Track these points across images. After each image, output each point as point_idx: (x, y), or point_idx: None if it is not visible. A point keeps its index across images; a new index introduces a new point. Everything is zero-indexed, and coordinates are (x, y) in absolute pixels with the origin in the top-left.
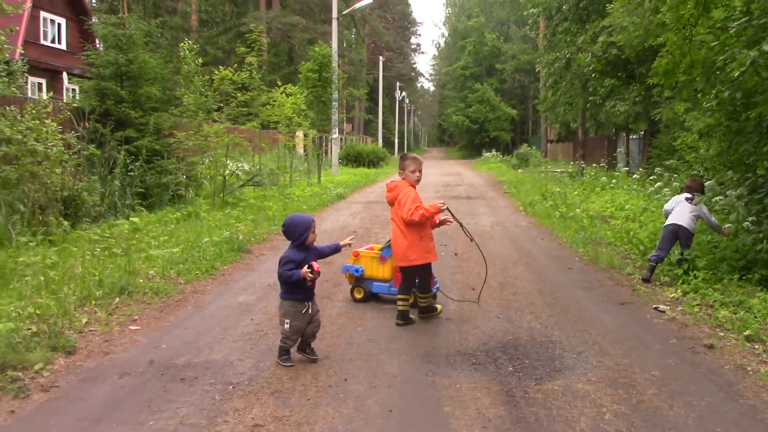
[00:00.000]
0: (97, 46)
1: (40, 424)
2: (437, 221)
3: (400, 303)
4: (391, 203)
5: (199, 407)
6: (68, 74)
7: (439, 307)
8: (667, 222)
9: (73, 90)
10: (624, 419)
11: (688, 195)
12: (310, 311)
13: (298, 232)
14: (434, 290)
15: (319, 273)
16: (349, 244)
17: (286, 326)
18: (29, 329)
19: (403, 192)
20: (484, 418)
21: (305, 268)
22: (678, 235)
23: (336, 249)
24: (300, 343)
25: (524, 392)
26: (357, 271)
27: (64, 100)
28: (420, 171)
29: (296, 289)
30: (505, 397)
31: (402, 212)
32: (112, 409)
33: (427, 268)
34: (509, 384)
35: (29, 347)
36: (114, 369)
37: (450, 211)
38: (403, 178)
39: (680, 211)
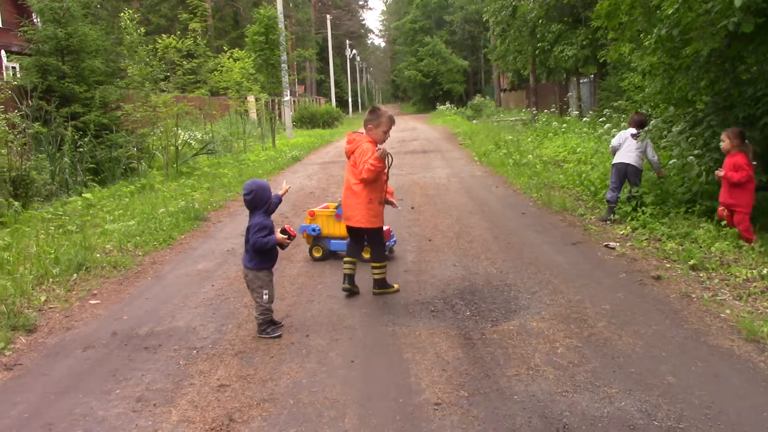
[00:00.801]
0: (35, 21)
1: (6, 401)
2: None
3: (376, 272)
4: (348, 155)
5: (164, 373)
6: (6, 52)
7: (396, 286)
8: (615, 160)
9: (13, 68)
10: (576, 352)
11: (633, 131)
12: (274, 278)
13: (266, 197)
14: (391, 243)
15: (294, 236)
16: (287, 189)
17: (265, 297)
18: None
19: (360, 148)
20: (443, 361)
21: (280, 234)
22: (627, 173)
23: (279, 200)
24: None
25: (481, 334)
26: (314, 230)
27: (4, 79)
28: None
29: (268, 257)
30: (463, 340)
31: (358, 169)
32: (78, 381)
33: (377, 233)
34: (466, 328)
35: None
36: (77, 343)
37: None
38: (367, 133)
39: (627, 148)
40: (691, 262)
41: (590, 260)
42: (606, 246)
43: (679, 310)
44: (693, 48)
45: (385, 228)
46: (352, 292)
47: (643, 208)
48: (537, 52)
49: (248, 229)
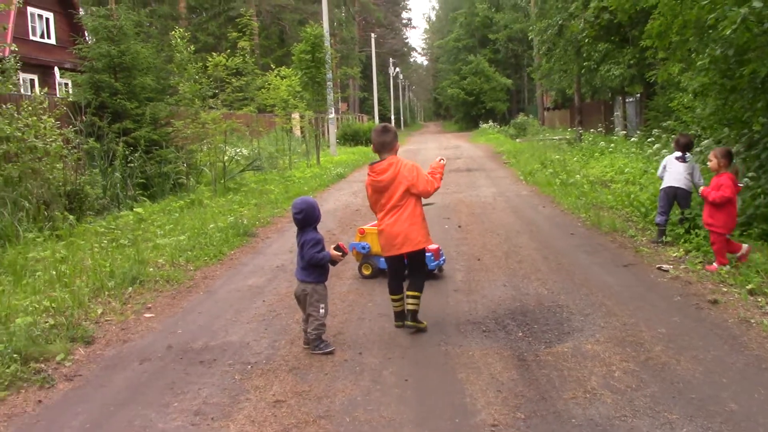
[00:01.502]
0: (88, 39)
1: (68, 412)
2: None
3: (410, 302)
4: (391, 184)
5: (220, 387)
6: (59, 69)
7: (424, 323)
8: (664, 185)
9: (66, 84)
10: (633, 376)
11: (679, 154)
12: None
13: (317, 214)
14: (441, 262)
15: (347, 253)
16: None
17: (322, 311)
18: (47, 322)
19: (405, 167)
20: (498, 382)
21: (334, 250)
22: (676, 196)
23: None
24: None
25: (535, 356)
26: (364, 248)
27: (58, 95)
28: None
29: (324, 271)
30: (517, 361)
31: (421, 187)
32: (136, 393)
33: (421, 256)
34: (520, 348)
35: (49, 339)
36: (133, 355)
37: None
38: (391, 155)
39: (674, 172)
40: (749, 286)
41: (643, 282)
42: (659, 268)
43: (738, 336)
44: (750, 69)
45: (434, 247)
46: (404, 326)
47: (697, 230)
48: (582, 71)
49: (302, 245)
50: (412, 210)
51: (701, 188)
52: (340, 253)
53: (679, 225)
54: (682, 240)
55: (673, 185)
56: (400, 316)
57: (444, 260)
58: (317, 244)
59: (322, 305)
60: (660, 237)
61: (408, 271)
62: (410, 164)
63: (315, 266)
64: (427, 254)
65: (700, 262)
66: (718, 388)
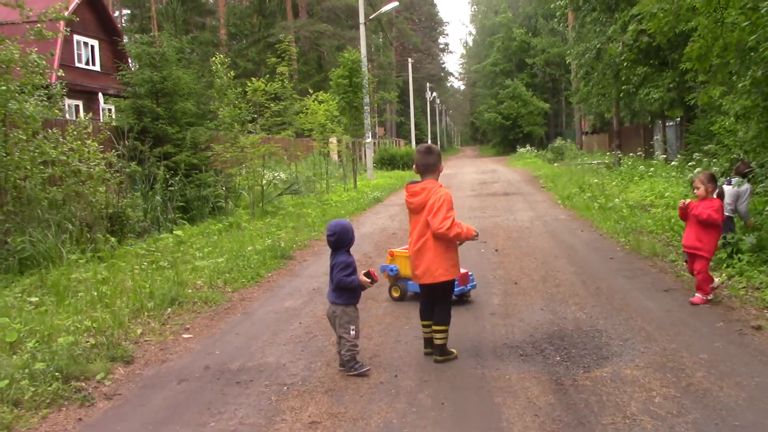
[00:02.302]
0: (131, 65)
1: (107, 429)
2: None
3: (438, 336)
4: (420, 210)
5: (256, 408)
6: (103, 95)
7: (455, 351)
8: None
9: (109, 110)
10: (674, 401)
11: (729, 177)
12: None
13: (350, 237)
14: (467, 288)
15: (377, 280)
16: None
17: (352, 332)
18: (88, 341)
19: (435, 196)
20: (535, 407)
21: (363, 276)
22: None
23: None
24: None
25: (573, 380)
26: (392, 270)
27: (102, 120)
28: None
29: (355, 293)
30: (555, 385)
31: (434, 221)
32: (174, 413)
33: (450, 289)
34: (558, 373)
35: (89, 358)
36: (172, 375)
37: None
38: (432, 177)
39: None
40: None
41: (684, 308)
42: None
43: None
44: None
45: (463, 271)
46: (447, 358)
47: (740, 255)
48: (621, 94)
49: (333, 267)
50: (437, 243)
51: (687, 202)
52: (369, 280)
53: (721, 249)
54: (725, 265)
55: None
56: (429, 342)
57: (473, 286)
58: (347, 267)
59: (352, 327)
60: None
61: (433, 305)
62: (442, 195)
63: (344, 289)
64: None
65: (743, 287)
66: (762, 415)
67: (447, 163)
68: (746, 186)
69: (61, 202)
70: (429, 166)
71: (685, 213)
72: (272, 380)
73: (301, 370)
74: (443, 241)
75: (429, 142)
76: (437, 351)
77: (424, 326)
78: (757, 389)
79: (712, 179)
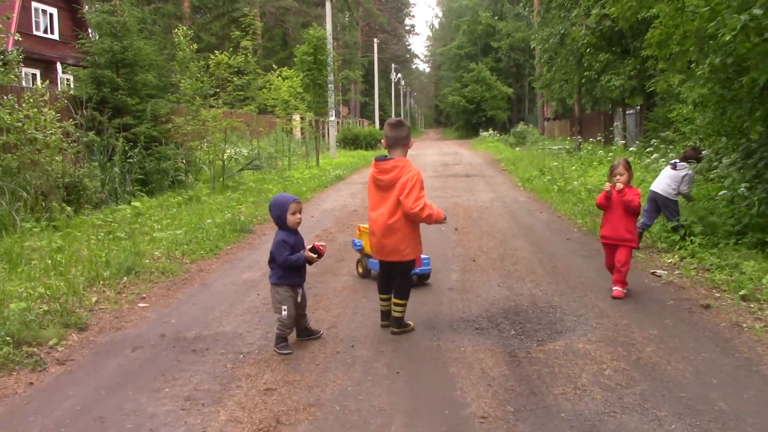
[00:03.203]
0: (91, 34)
1: (59, 394)
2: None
3: (396, 309)
4: (389, 187)
5: (211, 375)
6: (62, 64)
7: (412, 324)
8: (651, 189)
9: (68, 80)
10: (624, 374)
11: (672, 162)
12: (299, 298)
13: (274, 214)
14: (421, 271)
15: (322, 254)
16: (317, 251)
17: (283, 313)
18: (41, 308)
19: (407, 174)
20: (489, 377)
21: (308, 251)
22: (656, 201)
23: (302, 259)
24: (297, 329)
25: (526, 353)
26: (355, 245)
27: (60, 89)
28: None
29: (292, 273)
30: (508, 357)
31: (406, 201)
32: (128, 379)
33: (412, 265)
34: (512, 346)
35: (42, 324)
36: (126, 343)
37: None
38: (402, 151)
39: (660, 177)
40: (742, 292)
41: (637, 286)
42: (653, 273)
43: (729, 339)
44: (749, 78)
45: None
46: (389, 326)
47: (692, 237)
48: (583, 81)
49: (273, 243)
50: (406, 221)
51: (621, 187)
52: (315, 255)
53: (674, 231)
54: (677, 247)
55: (652, 189)
56: (386, 315)
57: (427, 270)
58: (281, 243)
59: (283, 307)
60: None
61: (393, 279)
62: (413, 173)
63: (281, 267)
64: None
65: (695, 268)
66: (707, 388)
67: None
68: (690, 171)
69: (15, 169)
70: (399, 140)
71: (608, 201)
72: (228, 348)
73: (257, 339)
74: (412, 221)
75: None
76: (394, 323)
77: (382, 299)
78: (703, 364)
79: (630, 167)
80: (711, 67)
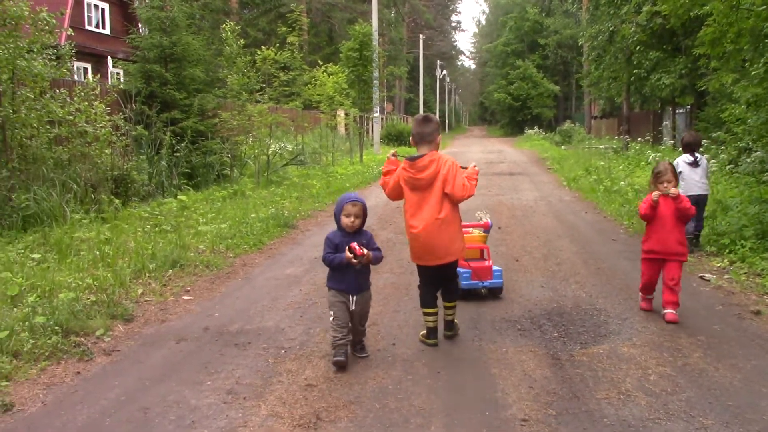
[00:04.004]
0: (141, 29)
1: (104, 384)
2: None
3: (449, 312)
4: (430, 183)
5: (253, 369)
6: (112, 58)
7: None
8: (688, 193)
9: (118, 74)
10: (669, 380)
11: (688, 158)
12: (354, 306)
13: (334, 211)
14: (491, 283)
15: (362, 255)
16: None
17: (331, 318)
18: (88, 299)
19: (445, 165)
20: (530, 379)
21: (346, 251)
22: (699, 203)
23: (340, 259)
24: (351, 341)
25: (569, 355)
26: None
27: (110, 83)
28: None
29: (339, 276)
30: (551, 360)
31: (455, 190)
32: (171, 370)
33: (455, 265)
34: (554, 348)
35: (90, 315)
36: (171, 335)
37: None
38: (432, 147)
39: (690, 179)
40: None
41: (684, 290)
42: (701, 277)
43: None
44: None
45: (487, 263)
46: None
47: (742, 241)
48: (632, 79)
49: None
50: (455, 215)
51: (676, 193)
52: (351, 255)
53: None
54: (727, 251)
55: (692, 194)
56: (434, 333)
57: (498, 283)
58: (327, 245)
59: (331, 311)
60: (696, 243)
61: (443, 282)
62: (450, 162)
63: (328, 267)
64: (461, 270)
65: (745, 273)
66: (757, 397)
67: (455, 142)
68: (705, 160)
69: (66, 162)
70: (425, 136)
71: (654, 211)
72: (270, 343)
73: (299, 334)
74: (458, 216)
75: (440, 119)
76: (448, 327)
77: (429, 314)
78: (753, 371)
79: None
80: (766, 66)
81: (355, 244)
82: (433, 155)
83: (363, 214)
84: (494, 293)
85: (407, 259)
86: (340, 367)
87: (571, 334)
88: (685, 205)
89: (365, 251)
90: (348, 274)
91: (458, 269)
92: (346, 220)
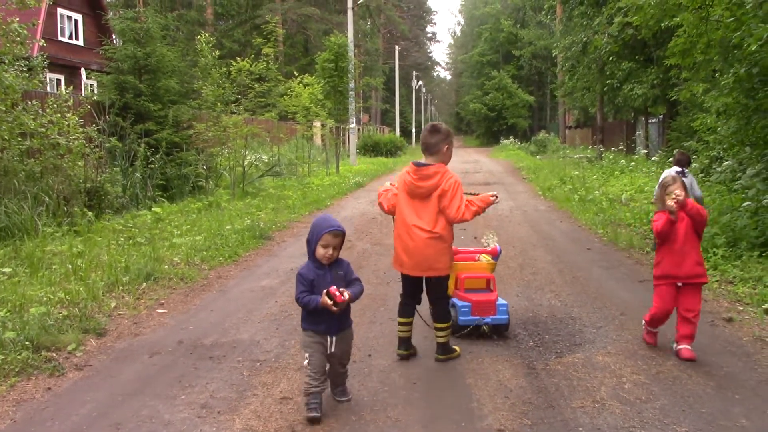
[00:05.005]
0: (115, 40)
1: (76, 399)
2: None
3: (441, 334)
4: (428, 194)
5: (228, 382)
6: (86, 70)
7: (458, 349)
8: None
9: (92, 86)
10: (644, 388)
11: (678, 169)
12: (333, 348)
13: (308, 238)
14: (494, 319)
15: (342, 302)
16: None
17: (305, 362)
18: (60, 313)
19: (447, 181)
20: (506, 389)
21: (324, 297)
22: None
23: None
24: (330, 384)
25: (545, 365)
26: None
27: (83, 95)
28: None
29: (315, 317)
30: (526, 369)
31: (449, 210)
32: (145, 385)
33: (444, 282)
34: (530, 357)
35: (61, 329)
36: (144, 349)
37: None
38: (439, 158)
39: None
40: (766, 305)
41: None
42: None
43: (752, 354)
44: None
45: (481, 296)
46: (409, 355)
47: (714, 249)
48: (606, 89)
49: None
50: (448, 233)
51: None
52: (330, 302)
53: None
54: None
55: None
56: (405, 342)
57: (502, 320)
58: (298, 281)
59: (306, 354)
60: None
61: (431, 300)
62: (454, 180)
63: (310, 311)
64: (458, 302)
65: (717, 281)
66: (729, 404)
67: None
68: (691, 176)
69: (38, 174)
70: (430, 147)
71: (672, 226)
72: (245, 356)
73: (274, 347)
74: (451, 233)
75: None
76: (440, 350)
77: (402, 324)
78: (725, 379)
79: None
80: (735, 76)
81: (334, 289)
82: (439, 167)
83: (341, 244)
84: (498, 331)
85: (384, 270)
86: (313, 422)
87: (547, 343)
88: (694, 210)
89: (346, 295)
90: (326, 314)
91: (456, 302)
92: (322, 252)
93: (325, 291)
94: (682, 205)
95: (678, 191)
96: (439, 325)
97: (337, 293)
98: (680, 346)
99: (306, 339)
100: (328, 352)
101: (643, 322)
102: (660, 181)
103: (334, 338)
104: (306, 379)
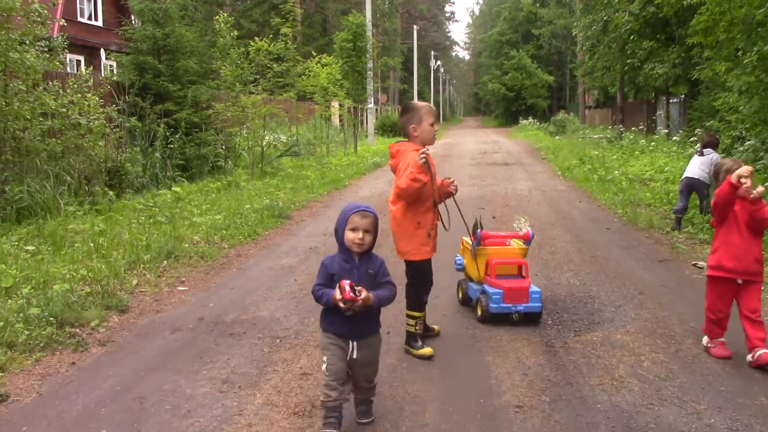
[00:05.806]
0: (134, 21)
1: (100, 374)
2: (448, 190)
3: (408, 321)
4: (394, 172)
5: (248, 358)
6: (105, 50)
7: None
8: (682, 177)
9: (111, 66)
10: (662, 366)
11: (698, 149)
12: (356, 354)
13: (335, 227)
14: (526, 307)
15: (355, 301)
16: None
17: (323, 366)
18: (83, 290)
19: (404, 158)
20: (524, 366)
21: (337, 292)
22: (693, 187)
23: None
24: (354, 397)
25: (563, 343)
26: (456, 263)
27: (103, 75)
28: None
29: (332, 317)
30: (545, 347)
31: (396, 181)
32: (166, 360)
33: (419, 268)
34: (548, 336)
35: (84, 306)
36: (166, 325)
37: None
38: (411, 138)
39: (692, 164)
40: None
41: (677, 278)
42: (694, 265)
43: None
44: None
45: (524, 282)
46: (426, 336)
47: None
48: (626, 68)
49: None
50: (404, 215)
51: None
52: (339, 298)
53: (701, 215)
54: None
55: (688, 176)
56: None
57: (534, 307)
58: (319, 272)
59: (324, 357)
60: (677, 225)
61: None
62: (411, 158)
63: (328, 307)
64: (489, 288)
65: None
66: (749, 382)
67: (449, 133)
68: (717, 156)
69: (59, 154)
70: (401, 127)
71: (733, 196)
72: (265, 333)
73: (294, 324)
74: (409, 215)
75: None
76: (406, 338)
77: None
78: (745, 357)
79: None
80: (759, 54)
81: (345, 283)
82: (401, 145)
83: (374, 229)
84: (531, 319)
85: None
86: None
87: (565, 322)
88: (760, 215)
89: (361, 294)
90: (343, 313)
91: (488, 288)
92: (351, 236)
93: (338, 284)
94: (752, 201)
95: (747, 181)
96: (407, 312)
97: (347, 288)
98: (759, 352)
99: (324, 340)
100: (349, 358)
101: (705, 340)
102: (718, 165)
103: (355, 343)
104: (323, 388)
